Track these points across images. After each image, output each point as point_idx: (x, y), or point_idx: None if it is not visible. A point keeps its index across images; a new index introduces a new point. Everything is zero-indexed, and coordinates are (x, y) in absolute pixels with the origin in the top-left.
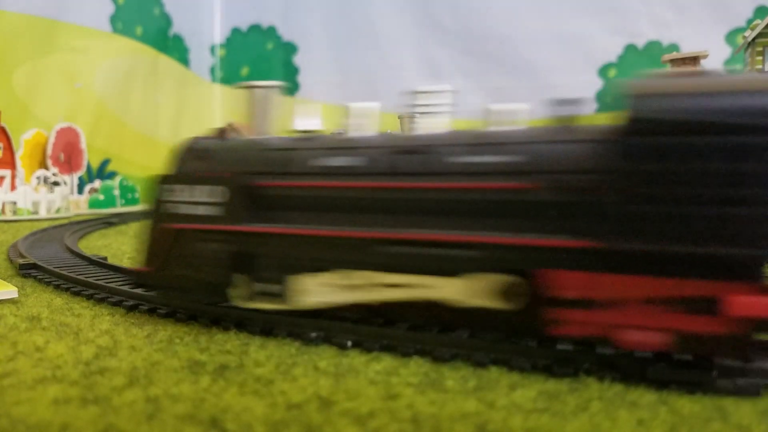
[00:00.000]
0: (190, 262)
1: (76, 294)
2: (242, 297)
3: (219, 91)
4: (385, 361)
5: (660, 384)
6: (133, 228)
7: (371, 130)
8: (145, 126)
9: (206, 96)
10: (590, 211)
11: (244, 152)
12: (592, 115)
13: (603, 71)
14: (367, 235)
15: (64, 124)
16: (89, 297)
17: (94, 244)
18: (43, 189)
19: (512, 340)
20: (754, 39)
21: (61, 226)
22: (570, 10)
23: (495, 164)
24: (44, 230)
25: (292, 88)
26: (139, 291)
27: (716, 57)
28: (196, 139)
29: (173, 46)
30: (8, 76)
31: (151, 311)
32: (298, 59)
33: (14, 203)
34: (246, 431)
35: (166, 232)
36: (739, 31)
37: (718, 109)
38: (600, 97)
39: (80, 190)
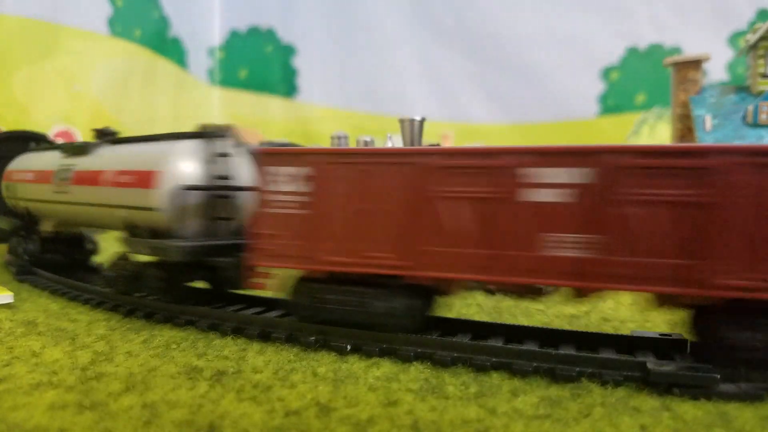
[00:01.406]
0: None
1: (73, 299)
2: None
3: (217, 93)
4: (385, 367)
5: (663, 389)
6: None
7: None
8: (143, 128)
9: (204, 98)
10: None
11: None
12: (593, 119)
13: (605, 74)
14: None
15: (61, 127)
16: (85, 302)
17: None
18: None
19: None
20: (756, 42)
21: None
22: (571, 11)
23: None
24: None
25: (290, 91)
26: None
27: (718, 60)
28: None
29: (172, 49)
30: (7, 80)
31: (148, 316)
32: (297, 61)
33: None
34: None
35: None
36: (741, 33)
37: None
38: (602, 100)
39: None
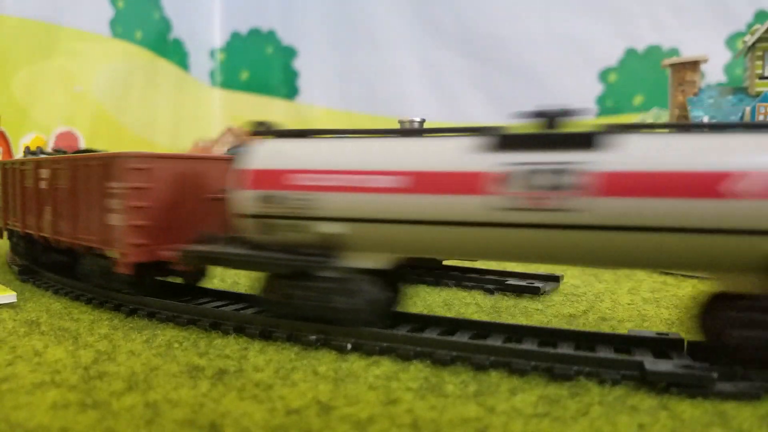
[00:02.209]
0: None
1: (75, 298)
2: None
3: (218, 95)
4: (385, 366)
5: (660, 388)
6: None
7: None
8: (144, 130)
9: (205, 100)
10: None
11: None
12: (592, 120)
13: (603, 75)
14: None
15: (63, 128)
16: (88, 301)
17: None
18: None
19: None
20: (754, 44)
21: None
22: (570, 13)
23: None
24: None
25: (291, 93)
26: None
27: (716, 61)
28: None
29: (173, 51)
30: (7, 80)
31: (150, 315)
32: (297, 63)
33: None
34: None
35: None
36: (739, 35)
37: None
38: (600, 101)
39: None
